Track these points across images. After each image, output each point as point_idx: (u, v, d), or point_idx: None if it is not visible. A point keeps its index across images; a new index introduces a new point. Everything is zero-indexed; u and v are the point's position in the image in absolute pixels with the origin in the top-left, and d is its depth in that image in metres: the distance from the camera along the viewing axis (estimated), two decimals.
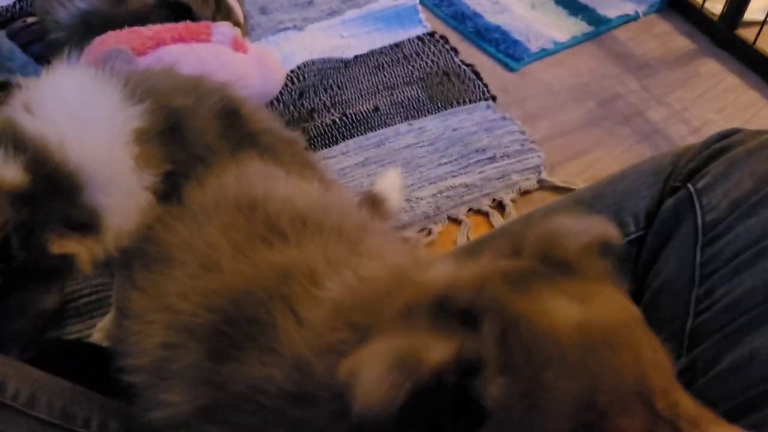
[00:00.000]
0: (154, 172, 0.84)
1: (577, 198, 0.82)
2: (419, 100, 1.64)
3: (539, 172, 1.45)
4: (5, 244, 0.73)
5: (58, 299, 0.89)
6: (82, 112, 0.83)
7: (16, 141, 0.78)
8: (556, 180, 1.42)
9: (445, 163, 1.48)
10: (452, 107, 1.62)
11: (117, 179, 0.82)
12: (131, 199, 0.83)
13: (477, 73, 1.72)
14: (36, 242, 0.76)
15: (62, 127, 0.79)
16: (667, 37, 1.83)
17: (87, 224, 0.81)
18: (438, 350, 0.45)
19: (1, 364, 0.78)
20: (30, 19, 1.67)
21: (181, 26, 1.43)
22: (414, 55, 1.77)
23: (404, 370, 0.44)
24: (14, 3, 1.83)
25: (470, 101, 1.63)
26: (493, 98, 1.64)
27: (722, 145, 0.75)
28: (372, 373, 0.44)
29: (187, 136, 0.88)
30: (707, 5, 1.83)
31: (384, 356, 0.45)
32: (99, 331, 1.17)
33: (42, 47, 1.62)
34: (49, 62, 1.56)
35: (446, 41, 1.82)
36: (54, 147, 0.78)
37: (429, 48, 1.79)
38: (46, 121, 0.79)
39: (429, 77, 1.71)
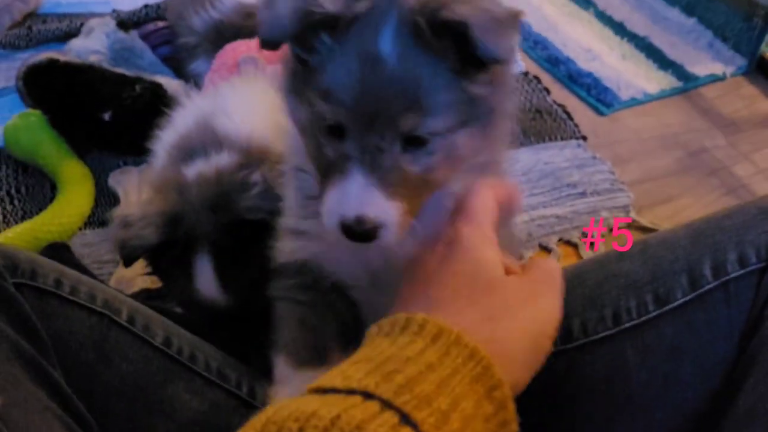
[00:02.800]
0: None
1: (695, 228, 0.87)
2: (512, 133, 1.71)
3: (628, 212, 1.52)
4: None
5: None
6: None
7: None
8: (645, 221, 1.49)
9: (537, 194, 1.55)
10: (544, 142, 1.70)
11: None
12: None
13: (568, 114, 1.80)
14: None
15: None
16: (753, 99, 1.89)
17: None
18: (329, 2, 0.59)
19: (164, 322, 0.87)
20: (160, 23, 1.80)
21: None
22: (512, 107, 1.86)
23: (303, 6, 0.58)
24: (142, 7, 1.97)
25: (562, 138, 1.71)
26: (584, 138, 1.72)
27: None
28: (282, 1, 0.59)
29: None
30: None
31: None
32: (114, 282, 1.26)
33: (170, 50, 1.75)
34: (177, 63, 1.71)
35: (539, 81, 1.92)
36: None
37: (523, 86, 1.89)
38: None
39: (522, 113, 1.79)
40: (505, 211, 0.71)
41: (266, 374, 0.77)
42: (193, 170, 0.95)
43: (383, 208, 0.61)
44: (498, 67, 0.63)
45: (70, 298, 0.78)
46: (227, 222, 0.90)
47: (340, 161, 0.62)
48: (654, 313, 0.82)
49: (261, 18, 0.62)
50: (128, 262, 0.96)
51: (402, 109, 0.60)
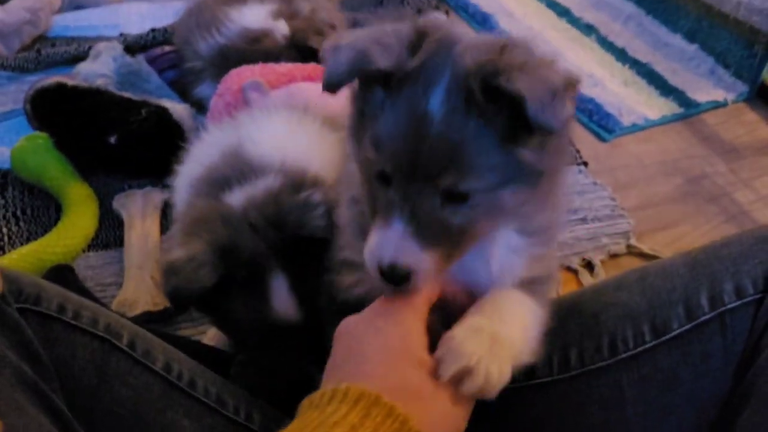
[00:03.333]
0: None
1: (693, 257, 0.88)
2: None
3: (628, 238, 1.52)
4: None
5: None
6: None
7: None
8: (645, 247, 1.49)
9: None
10: None
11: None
12: None
13: (570, 139, 1.80)
14: None
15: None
16: (754, 126, 1.90)
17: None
18: (382, 59, 0.63)
19: (165, 347, 0.88)
20: (167, 48, 1.83)
21: (310, 66, 1.55)
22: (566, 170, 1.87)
23: (359, 60, 0.63)
24: (149, 31, 2.00)
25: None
26: (585, 164, 1.73)
27: None
28: (343, 50, 0.64)
29: None
30: None
31: (353, 44, 0.64)
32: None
33: (177, 74, 1.77)
34: (183, 87, 1.73)
35: None
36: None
37: None
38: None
39: None
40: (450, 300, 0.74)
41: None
42: (238, 197, 0.95)
43: (416, 258, 0.64)
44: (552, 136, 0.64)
45: (73, 323, 0.79)
46: (293, 240, 0.91)
47: (385, 205, 0.66)
48: (650, 344, 0.82)
49: (325, 64, 0.66)
50: (182, 309, 0.97)
51: (442, 167, 0.62)
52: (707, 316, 0.82)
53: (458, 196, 0.64)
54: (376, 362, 0.64)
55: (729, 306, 0.81)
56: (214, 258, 0.89)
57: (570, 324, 0.89)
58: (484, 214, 0.66)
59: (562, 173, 0.74)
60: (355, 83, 0.69)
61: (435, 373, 0.64)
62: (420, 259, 0.64)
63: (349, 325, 0.70)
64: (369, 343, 0.66)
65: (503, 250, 0.74)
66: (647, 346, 0.82)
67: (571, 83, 0.62)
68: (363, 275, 0.76)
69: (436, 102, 0.62)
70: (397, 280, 0.65)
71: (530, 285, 0.77)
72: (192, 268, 0.87)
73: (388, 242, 0.64)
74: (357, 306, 0.73)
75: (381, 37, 0.65)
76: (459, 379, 0.64)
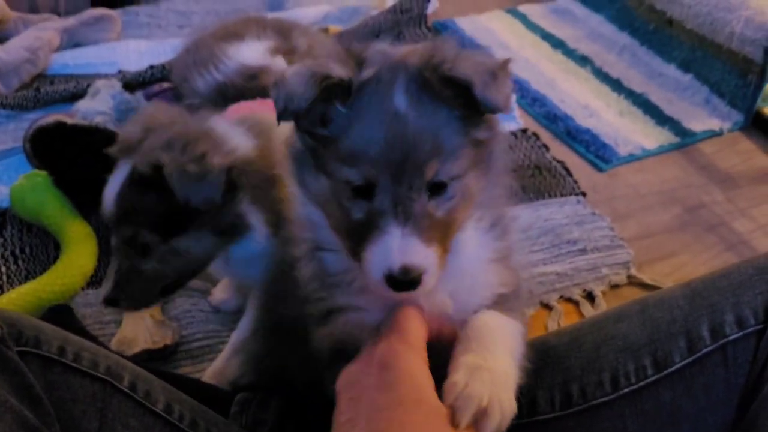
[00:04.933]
0: None
1: (692, 287, 0.88)
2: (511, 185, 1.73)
3: (628, 268, 1.52)
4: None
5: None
6: None
7: None
8: (645, 277, 1.49)
9: (537, 251, 1.56)
10: (544, 199, 1.71)
11: None
12: None
13: (567, 170, 1.82)
14: None
15: None
16: (750, 154, 1.91)
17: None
18: (339, 70, 0.65)
19: (165, 387, 0.87)
20: (165, 85, 1.84)
21: None
22: (507, 149, 1.88)
23: (317, 76, 0.64)
24: (147, 68, 2.02)
25: (561, 195, 1.73)
26: (583, 194, 1.74)
27: None
28: (295, 76, 0.65)
29: None
30: None
31: (303, 68, 0.65)
32: (208, 375, 1.25)
33: None
34: None
35: (538, 138, 1.94)
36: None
37: (522, 143, 1.91)
38: None
39: (521, 169, 1.81)
40: (433, 334, 0.73)
41: None
42: None
43: (424, 255, 0.65)
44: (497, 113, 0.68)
45: (73, 365, 0.78)
46: None
47: (371, 219, 0.66)
48: (652, 378, 0.82)
49: (275, 96, 0.67)
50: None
51: (427, 156, 0.65)
52: (709, 348, 0.81)
53: (440, 187, 0.67)
54: (396, 423, 0.62)
55: (731, 337, 0.81)
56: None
57: (571, 358, 0.88)
58: (459, 203, 0.68)
59: (503, 153, 0.77)
60: (292, 126, 0.71)
61: (452, 421, 0.63)
62: (428, 256, 0.65)
63: (351, 376, 0.69)
64: (382, 400, 0.64)
65: (471, 257, 0.75)
66: (649, 380, 0.82)
67: (504, 64, 0.68)
68: (342, 316, 0.76)
69: (401, 101, 0.66)
70: (409, 283, 0.65)
71: (503, 302, 0.78)
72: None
73: (392, 248, 0.65)
74: (348, 351, 0.73)
75: (325, 59, 0.67)
76: (475, 421, 0.64)
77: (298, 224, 0.79)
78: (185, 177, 0.96)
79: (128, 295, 1.06)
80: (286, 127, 0.73)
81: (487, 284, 0.76)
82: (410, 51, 0.69)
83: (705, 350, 0.81)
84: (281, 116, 0.67)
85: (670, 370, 0.81)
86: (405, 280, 0.64)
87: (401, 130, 0.65)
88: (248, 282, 1.25)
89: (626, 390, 0.83)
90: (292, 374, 0.94)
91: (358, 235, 0.67)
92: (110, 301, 1.06)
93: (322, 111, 0.67)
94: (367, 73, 0.66)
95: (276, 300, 0.94)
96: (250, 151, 1.07)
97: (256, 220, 1.08)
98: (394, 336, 0.68)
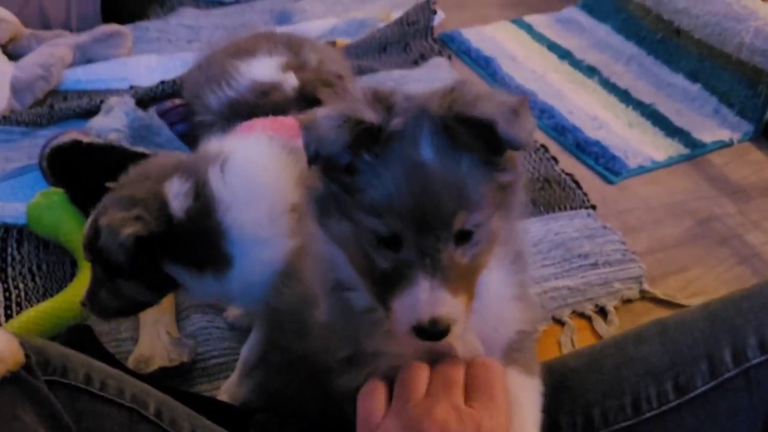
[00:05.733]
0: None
1: (712, 309, 0.89)
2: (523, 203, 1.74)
3: (641, 283, 1.52)
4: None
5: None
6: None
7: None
8: (658, 292, 1.49)
9: (548, 265, 1.57)
10: (554, 212, 1.72)
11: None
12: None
13: (577, 182, 1.82)
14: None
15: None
16: (762, 165, 1.91)
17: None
18: (371, 115, 0.65)
19: (190, 414, 0.88)
20: (177, 101, 1.86)
21: None
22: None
23: (350, 120, 0.63)
24: (158, 84, 2.04)
25: (571, 208, 1.73)
26: (593, 207, 1.74)
27: None
28: (326, 119, 0.64)
29: None
30: None
31: (334, 111, 0.65)
32: (223, 393, 1.26)
33: (186, 127, 1.80)
34: (193, 140, 1.75)
35: (546, 150, 1.95)
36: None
37: (530, 156, 1.92)
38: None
39: (530, 182, 1.82)
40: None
41: None
42: None
43: (453, 305, 0.65)
44: (514, 152, 0.68)
45: (100, 393, 0.79)
46: None
47: (398, 269, 0.66)
48: (674, 403, 0.82)
49: (305, 140, 0.66)
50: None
51: (454, 208, 0.64)
52: (731, 373, 0.82)
53: (466, 235, 0.66)
54: None
55: (753, 362, 0.81)
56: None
57: (591, 382, 0.89)
58: (484, 247, 0.68)
59: (522, 189, 0.76)
60: (317, 168, 0.70)
61: None
62: (456, 306, 0.65)
63: (388, 428, 0.69)
64: None
65: (495, 296, 0.76)
66: (671, 405, 0.82)
67: (523, 101, 0.67)
68: (370, 362, 0.76)
69: (428, 150, 0.65)
70: (438, 334, 0.65)
71: (522, 341, 0.78)
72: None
73: (421, 301, 0.64)
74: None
75: (355, 103, 0.67)
76: None
77: (317, 262, 0.78)
78: (102, 237, 1.06)
79: (94, 304, 1.16)
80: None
81: (511, 321, 0.77)
82: (432, 95, 0.68)
83: (728, 375, 0.82)
84: (312, 161, 0.67)
85: (692, 394, 0.82)
86: (433, 332, 0.65)
87: (428, 183, 0.64)
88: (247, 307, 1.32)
89: (648, 415, 0.83)
90: (306, 404, 0.95)
91: (384, 283, 0.67)
92: (83, 303, 1.18)
93: (348, 160, 0.66)
94: (397, 122, 0.66)
95: (283, 335, 0.94)
96: (181, 215, 1.11)
97: (187, 277, 1.14)
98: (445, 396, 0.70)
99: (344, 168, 0.67)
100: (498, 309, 0.76)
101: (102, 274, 1.14)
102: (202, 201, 1.10)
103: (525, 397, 0.75)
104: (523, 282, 0.78)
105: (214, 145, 1.20)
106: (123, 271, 1.10)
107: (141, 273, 1.12)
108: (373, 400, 0.71)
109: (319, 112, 0.66)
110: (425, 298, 0.64)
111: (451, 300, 0.65)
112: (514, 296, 0.77)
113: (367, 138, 0.65)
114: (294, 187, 1.10)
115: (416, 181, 0.64)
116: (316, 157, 0.66)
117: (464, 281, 0.66)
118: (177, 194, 1.10)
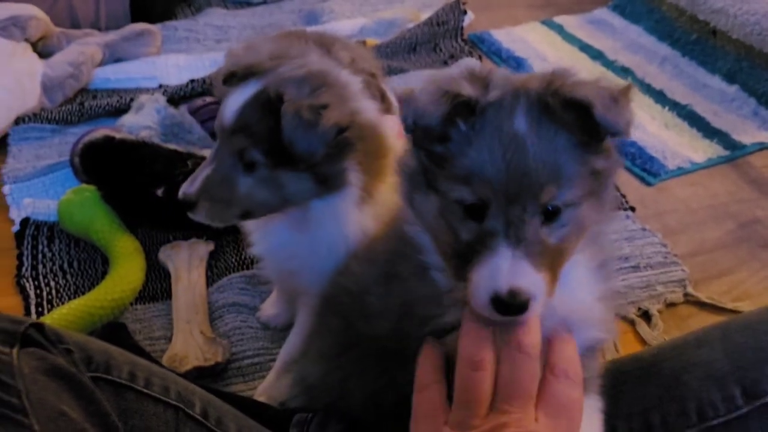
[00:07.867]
0: None
1: (754, 320, 0.86)
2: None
3: (684, 286, 1.48)
4: None
5: None
6: None
7: None
8: (702, 296, 1.45)
9: None
10: None
11: None
12: None
13: (615, 184, 1.78)
14: None
15: None
16: None
17: None
18: (469, 89, 0.66)
19: (237, 415, 0.85)
20: (208, 99, 1.84)
21: None
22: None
23: (449, 93, 0.64)
24: (188, 82, 2.03)
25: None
26: (632, 209, 1.70)
27: None
28: (425, 93, 0.65)
29: None
30: None
31: (433, 85, 0.66)
32: (261, 394, 1.24)
33: None
34: None
35: None
36: None
37: None
38: None
39: None
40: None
41: None
42: None
43: (533, 280, 0.63)
44: (610, 141, 0.68)
45: (145, 391, 0.77)
46: None
47: (481, 239, 0.65)
48: (744, 409, 0.79)
49: (404, 111, 0.67)
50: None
51: (544, 180, 0.64)
52: None
53: (554, 213, 0.65)
54: None
55: None
56: None
57: (649, 386, 0.86)
58: (571, 231, 0.67)
59: (614, 189, 0.75)
60: (410, 141, 0.72)
61: None
62: (537, 281, 0.63)
63: None
64: None
65: (580, 295, 0.74)
66: (741, 411, 0.79)
67: (626, 90, 0.67)
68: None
69: (522, 124, 0.65)
70: (516, 308, 0.63)
71: (595, 349, 0.77)
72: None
73: (501, 269, 0.63)
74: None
75: (454, 78, 0.68)
76: None
77: (406, 242, 0.77)
78: (296, 120, 0.95)
79: (210, 201, 1.04)
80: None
81: (591, 324, 0.74)
82: (531, 77, 0.69)
83: None
84: (408, 130, 0.68)
85: (761, 401, 0.78)
86: (513, 304, 0.62)
87: (520, 153, 0.64)
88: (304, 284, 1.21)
89: (714, 422, 0.80)
90: (350, 398, 0.92)
91: (464, 257, 0.66)
92: (188, 202, 1.04)
93: (443, 129, 0.67)
94: (493, 95, 0.66)
95: (341, 319, 0.91)
96: (372, 116, 1.06)
97: (356, 180, 1.05)
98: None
99: (438, 137, 0.67)
100: (579, 308, 0.73)
101: (249, 165, 1.01)
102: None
103: (588, 426, 0.71)
104: (609, 291, 0.76)
105: None
106: (293, 160, 0.99)
107: (316, 164, 1.01)
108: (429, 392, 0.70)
109: (417, 87, 0.67)
110: (506, 267, 0.63)
111: (533, 273, 0.63)
112: (596, 299, 0.75)
113: (464, 110, 0.66)
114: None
115: (509, 149, 0.64)
116: (413, 129, 0.67)
117: (548, 261, 0.65)
118: (364, 94, 1.05)
